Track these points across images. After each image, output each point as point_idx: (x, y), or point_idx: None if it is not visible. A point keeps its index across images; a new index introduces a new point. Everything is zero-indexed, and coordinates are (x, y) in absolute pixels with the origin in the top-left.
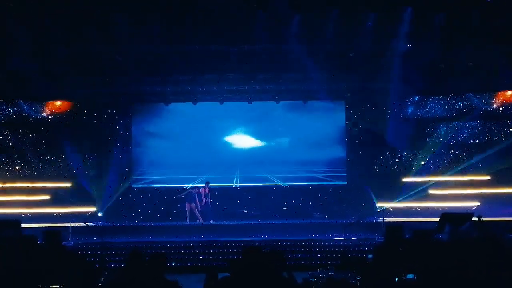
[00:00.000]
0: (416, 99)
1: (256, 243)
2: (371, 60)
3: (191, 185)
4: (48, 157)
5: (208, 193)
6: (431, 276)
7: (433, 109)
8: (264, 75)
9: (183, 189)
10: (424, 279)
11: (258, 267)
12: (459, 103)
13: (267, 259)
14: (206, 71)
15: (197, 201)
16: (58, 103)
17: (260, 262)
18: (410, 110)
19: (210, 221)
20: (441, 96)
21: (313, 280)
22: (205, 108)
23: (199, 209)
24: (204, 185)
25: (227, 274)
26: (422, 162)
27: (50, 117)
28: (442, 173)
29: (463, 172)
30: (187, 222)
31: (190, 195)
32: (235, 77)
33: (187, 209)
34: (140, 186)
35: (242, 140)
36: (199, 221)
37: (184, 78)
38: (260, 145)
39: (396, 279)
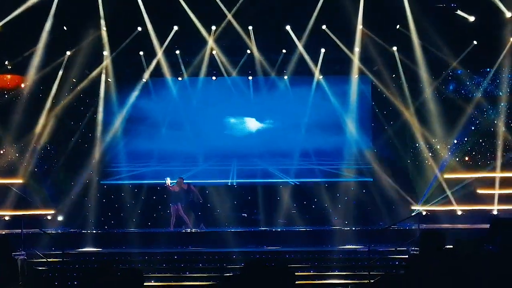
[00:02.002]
0: (459, 72)
1: (257, 255)
2: (404, 23)
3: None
4: None
5: (188, 189)
6: None
7: (481, 86)
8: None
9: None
10: None
11: (260, 286)
12: None
13: (272, 276)
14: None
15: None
16: (8, 77)
17: (263, 279)
18: (451, 87)
19: (200, 227)
20: (492, 69)
21: None
22: (193, 84)
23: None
24: (174, 181)
25: None
26: (467, 158)
27: None
28: (493, 168)
29: None
30: (171, 229)
31: (176, 194)
32: (230, 44)
33: (173, 212)
34: (111, 182)
35: (239, 125)
36: (186, 227)
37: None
38: (263, 131)
39: None
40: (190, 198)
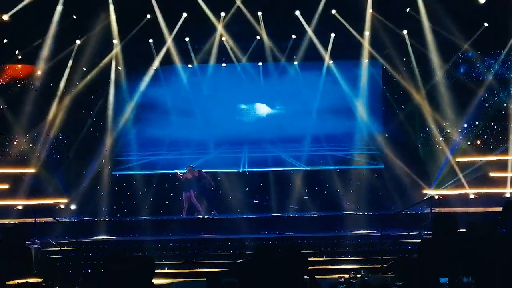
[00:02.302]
0: (470, 55)
1: (269, 241)
2: (414, 6)
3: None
4: (6, 137)
5: (199, 176)
6: (492, 279)
7: (492, 68)
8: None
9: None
10: (484, 283)
11: (272, 271)
12: None
13: (284, 261)
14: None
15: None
16: (19, 66)
17: (275, 264)
18: (462, 70)
19: (212, 213)
20: (503, 51)
21: (342, 286)
22: (203, 71)
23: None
24: (185, 170)
25: (233, 280)
26: (478, 142)
27: (9, 85)
28: (504, 150)
29: None
30: (183, 216)
31: (188, 181)
32: (240, 30)
33: (185, 199)
34: (123, 172)
35: (250, 111)
36: (199, 214)
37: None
38: (273, 117)
39: (448, 283)
40: (202, 184)
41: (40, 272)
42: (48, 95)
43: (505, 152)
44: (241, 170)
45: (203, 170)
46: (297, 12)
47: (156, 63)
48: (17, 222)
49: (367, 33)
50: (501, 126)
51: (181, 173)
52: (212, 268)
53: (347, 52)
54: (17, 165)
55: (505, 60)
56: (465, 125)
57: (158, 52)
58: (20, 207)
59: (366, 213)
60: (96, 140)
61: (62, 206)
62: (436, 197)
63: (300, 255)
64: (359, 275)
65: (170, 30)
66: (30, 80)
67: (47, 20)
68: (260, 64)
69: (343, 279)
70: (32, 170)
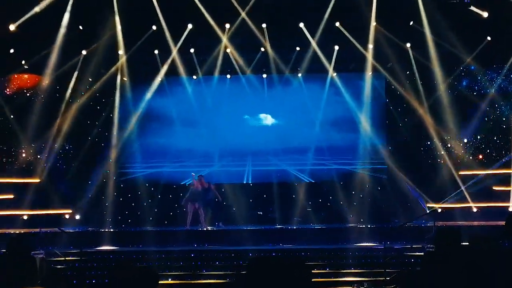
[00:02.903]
0: (472, 68)
1: (273, 252)
2: (417, 19)
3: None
4: (12, 147)
5: (208, 188)
6: None
7: (495, 82)
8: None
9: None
10: None
11: (275, 283)
12: None
13: (287, 273)
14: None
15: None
16: (26, 76)
17: (278, 277)
18: (464, 83)
19: (216, 225)
20: (506, 65)
21: None
22: (207, 83)
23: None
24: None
25: None
26: (481, 156)
27: (16, 94)
28: (509, 164)
29: None
30: (188, 227)
31: (195, 192)
32: (244, 42)
33: (189, 210)
34: (128, 182)
35: (254, 123)
36: (203, 225)
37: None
38: (277, 129)
39: None
40: (209, 196)
41: (45, 282)
42: (54, 105)
43: (506, 164)
44: (244, 181)
45: (212, 182)
46: (301, 25)
47: (161, 74)
48: (22, 231)
49: (370, 46)
50: (503, 139)
51: (195, 176)
52: (216, 279)
53: (350, 65)
54: (22, 174)
55: (508, 74)
56: (465, 140)
57: (163, 63)
58: (25, 217)
59: (369, 226)
60: (101, 150)
61: (67, 216)
62: (439, 210)
63: (304, 267)
64: None
65: (176, 42)
66: (36, 90)
67: (53, 30)
68: (264, 76)
69: None
70: (37, 180)
